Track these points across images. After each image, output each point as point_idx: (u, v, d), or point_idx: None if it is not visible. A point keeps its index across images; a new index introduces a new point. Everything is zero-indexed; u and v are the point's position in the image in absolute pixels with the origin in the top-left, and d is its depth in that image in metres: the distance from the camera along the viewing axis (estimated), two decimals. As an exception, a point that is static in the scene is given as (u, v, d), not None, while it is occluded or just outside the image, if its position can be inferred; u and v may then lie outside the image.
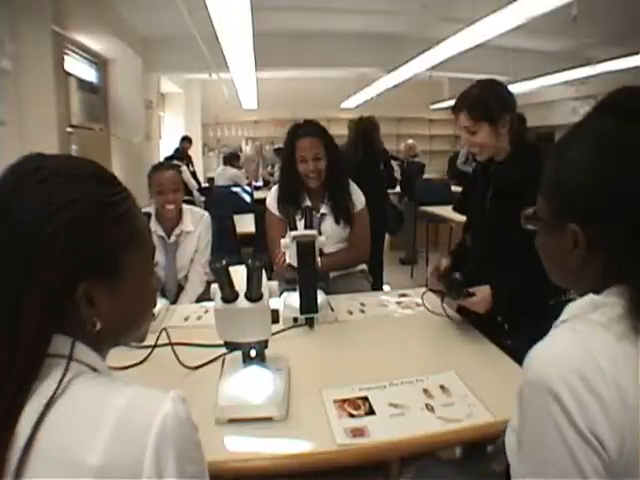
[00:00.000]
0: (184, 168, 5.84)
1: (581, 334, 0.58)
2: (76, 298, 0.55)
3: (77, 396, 0.52)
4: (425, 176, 6.05)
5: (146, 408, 0.52)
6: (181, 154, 6.51)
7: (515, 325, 1.47)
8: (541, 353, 0.59)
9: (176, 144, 6.91)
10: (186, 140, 6.94)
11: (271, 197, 2.12)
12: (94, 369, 0.57)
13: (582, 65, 5.34)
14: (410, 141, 5.92)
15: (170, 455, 0.50)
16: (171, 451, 0.50)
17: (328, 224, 2.05)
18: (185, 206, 2.26)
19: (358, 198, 2.11)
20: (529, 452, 0.58)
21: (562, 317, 0.64)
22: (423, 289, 1.83)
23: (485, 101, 1.50)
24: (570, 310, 0.63)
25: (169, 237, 2.18)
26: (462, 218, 2.05)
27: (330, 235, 1.94)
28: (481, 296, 1.39)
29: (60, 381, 0.51)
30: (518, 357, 1.19)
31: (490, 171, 1.62)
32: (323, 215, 2.06)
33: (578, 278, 0.66)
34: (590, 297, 0.62)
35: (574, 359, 0.56)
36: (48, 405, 0.50)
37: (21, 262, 0.53)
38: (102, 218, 0.57)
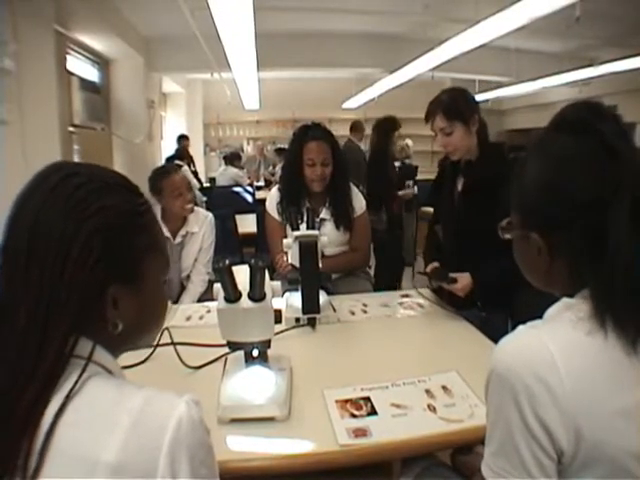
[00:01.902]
0: (185, 168, 5.84)
1: (540, 330, 0.64)
2: (103, 300, 0.57)
3: (92, 395, 0.53)
4: (426, 177, 6.01)
5: (161, 411, 0.53)
6: (181, 153, 6.48)
7: (488, 301, 1.65)
8: (503, 348, 0.65)
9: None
10: (184, 138, 6.89)
11: (270, 200, 2.08)
12: (109, 371, 0.59)
13: (585, 66, 5.33)
14: (404, 141, 5.57)
15: (184, 458, 0.51)
16: (185, 454, 0.51)
17: (328, 229, 2.02)
18: None
19: (358, 202, 2.08)
20: (489, 434, 0.65)
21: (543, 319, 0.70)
22: (424, 290, 1.85)
23: (456, 103, 1.67)
24: (548, 312, 0.69)
25: (174, 238, 2.19)
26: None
27: (330, 240, 1.93)
28: (463, 283, 1.58)
29: (77, 380, 0.53)
30: (492, 330, 1.42)
31: (459, 167, 1.75)
32: (323, 220, 2.03)
33: (550, 282, 0.72)
34: (564, 300, 0.68)
35: (528, 355, 0.61)
36: (65, 402, 0.51)
37: (55, 263, 0.54)
38: (131, 225, 0.61)
